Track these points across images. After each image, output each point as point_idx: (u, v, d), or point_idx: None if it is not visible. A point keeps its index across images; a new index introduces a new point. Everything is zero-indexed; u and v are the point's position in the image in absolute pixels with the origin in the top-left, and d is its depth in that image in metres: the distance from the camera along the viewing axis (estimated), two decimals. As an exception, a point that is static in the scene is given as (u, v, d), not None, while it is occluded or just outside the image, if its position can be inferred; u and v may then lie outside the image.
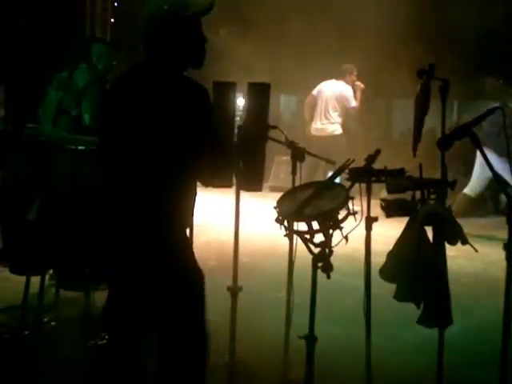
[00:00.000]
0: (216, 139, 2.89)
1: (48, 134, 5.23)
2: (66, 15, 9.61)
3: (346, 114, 9.58)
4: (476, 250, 3.53)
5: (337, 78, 9.55)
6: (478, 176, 8.31)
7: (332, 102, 9.50)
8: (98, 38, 9.21)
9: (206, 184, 3.02)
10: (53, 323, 4.37)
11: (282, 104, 16.02)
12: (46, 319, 4.35)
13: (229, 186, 3.49)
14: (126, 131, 2.81)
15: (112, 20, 10.43)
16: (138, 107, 2.80)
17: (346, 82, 9.50)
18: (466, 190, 8.46)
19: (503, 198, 8.93)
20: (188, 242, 2.99)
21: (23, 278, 4.21)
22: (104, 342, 3.42)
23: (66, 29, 9.19)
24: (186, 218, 2.95)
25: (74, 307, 4.43)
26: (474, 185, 8.43)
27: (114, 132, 2.85)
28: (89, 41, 7.76)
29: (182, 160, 2.80)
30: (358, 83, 9.56)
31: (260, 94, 3.45)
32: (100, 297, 4.02)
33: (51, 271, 4.65)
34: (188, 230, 3.25)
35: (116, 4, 10.72)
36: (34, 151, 4.41)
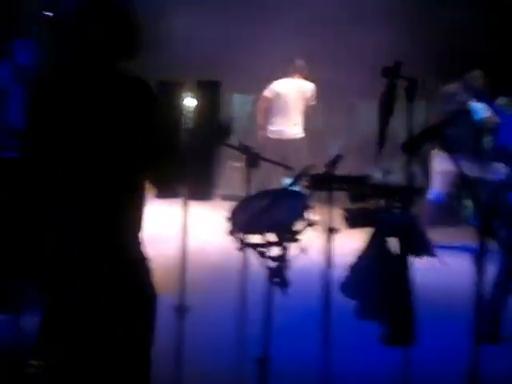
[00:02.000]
0: (162, 142, 2.83)
1: None
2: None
3: (305, 114, 9.52)
4: (445, 263, 3.63)
5: (290, 75, 9.47)
6: (442, 181, 8.35)
7: (292, 102, 9.39)
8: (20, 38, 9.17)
9: (158, 195, 3.02)
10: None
11: (236, 105, 15.99)
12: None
13: (173, 196, 3.46)
14: (59, 130, 2.73)
15: (46, 12, 10.24)
16: (68, 107, 2.71)
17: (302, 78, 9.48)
18: (430, 197, 8.51)
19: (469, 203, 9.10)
20: (141, 254, 2.89)
21: None
22: (35, 370, 3.35)
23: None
24: (134, 228, 2.86)
25: (2, 332, 4.30)
26: (437, 189, 8.48)
27: (45, 131, 2.76)
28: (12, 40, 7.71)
29: (122, 164, 2.74)
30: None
31: (209, 93, 3.44)
32: (31, 320, 3.96)
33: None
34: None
35: (50, -5, 10.56)
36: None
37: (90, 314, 2.79)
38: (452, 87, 8.34)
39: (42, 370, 2.96)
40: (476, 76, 8.36)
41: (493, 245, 3.48)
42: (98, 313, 2.79)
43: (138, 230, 2.86)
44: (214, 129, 3.63)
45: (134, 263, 2.85)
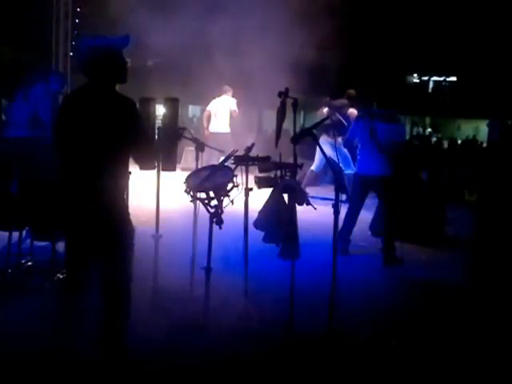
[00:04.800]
0: (143, 137, 2.81)
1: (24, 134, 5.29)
2: (37, 51, 9.23)
3: (230, 117, 9.56)
4: (315, 208, 3.60)
5: (220, 94, 9.50)
6: (319, 159, 8.40)
7: (223, 111, 9.50)
8: (55, 70, 9.35)
9: (141, 168, 2.89)
10: (29, 264, 4.17)
11: (190, 112, 15.82)
12: (23, 261, 4.14)
13: (153, 168, 3.36)
14: (76, 130, 2.70)
15: (71, 53, 10.29)
16: (85, 115, 2.69)
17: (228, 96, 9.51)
18: (312, 168, 8.57)
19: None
20: (123, 204, 2.82)
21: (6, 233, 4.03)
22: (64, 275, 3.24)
23: (36, 61, 8.87)
24: (120, 187, 2.77)
25: (44, 253, 4.19)
26: (316, 164, 8.54)
27: (68, 131, 2.73)
28: (49, 71, 7.86)
29: (114, 149, 2.70)
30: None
31: (172, 105, 3.36)
32: (61, 246, 3.84)
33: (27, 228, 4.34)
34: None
35: (74, 43, 10.41)
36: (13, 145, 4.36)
37: (92, 240, 2.73)
38: (338, 101, 8.28)
39: (69, 275, 2.90)
40: (352, 93, 8.30)
41: (343, 196, 3.49)
42: (97, 238, 2.72)
43: (124, 191, 2.80)
44: (174, 127, 3.52)
45: (122, 209, 2.79)
